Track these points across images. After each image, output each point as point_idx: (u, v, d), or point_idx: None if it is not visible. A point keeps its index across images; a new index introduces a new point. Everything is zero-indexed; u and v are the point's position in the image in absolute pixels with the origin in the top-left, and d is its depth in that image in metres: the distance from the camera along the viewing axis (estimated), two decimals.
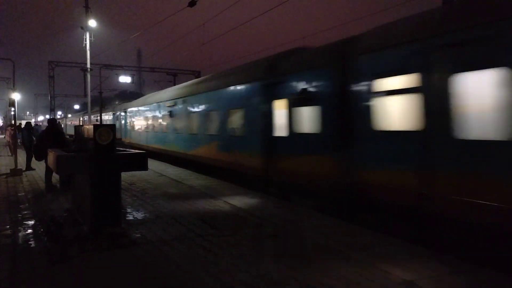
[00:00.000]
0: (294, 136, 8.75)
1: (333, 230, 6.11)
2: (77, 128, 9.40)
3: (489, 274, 4.32)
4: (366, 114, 6.79)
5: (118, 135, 14.24)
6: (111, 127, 6.54)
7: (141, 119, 22.67)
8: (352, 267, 4.57)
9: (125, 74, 38.40)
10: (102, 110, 36.45)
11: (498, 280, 4.20)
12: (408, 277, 4.24)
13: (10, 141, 24.20)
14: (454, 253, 5.00)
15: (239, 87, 11.15)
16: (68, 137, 15.96)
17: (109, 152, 6.37)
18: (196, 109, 14.29)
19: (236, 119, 11.28)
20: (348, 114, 7.22)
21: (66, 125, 56.24)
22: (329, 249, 5.24)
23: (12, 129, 25.55)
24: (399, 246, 5.33)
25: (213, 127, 12.78)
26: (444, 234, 5.54)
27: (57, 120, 12.53)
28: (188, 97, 15.36)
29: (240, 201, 8.46)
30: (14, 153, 14.92)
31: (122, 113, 27.09)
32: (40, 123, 56.14)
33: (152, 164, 14.66)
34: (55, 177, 10.62)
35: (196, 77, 40.43)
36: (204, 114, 13.53)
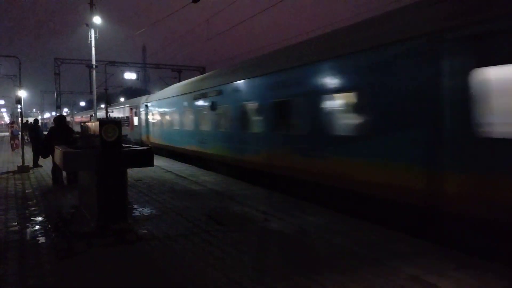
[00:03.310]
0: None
1: (338, 226, 6.12)
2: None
3: (496, 269, 4.30)
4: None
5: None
6: (117, 123, 6.57)
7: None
8: (358, 262, 4.58)
9: (130, 71, 38.52)
10: (107, 106, 36.72)
11: (505, 274, 4.18)
12: (414, 272, 4.24)
13: (11, 138, 24.57)
14: (461, 248, 4.98)
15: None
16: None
17: (115, 149, 6.40)
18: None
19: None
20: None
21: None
22: (334, 244, 5.25)
23: (12, 126, 25.85)
24: (405, 241, 5.32)
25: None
26: (451, 229, 5.53)
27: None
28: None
29: (246, 196, 8.48)
30: (21, 149, 15.03)
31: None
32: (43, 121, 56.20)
33: (158, 160, 14.74)
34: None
35: (201, 73, 40.44)
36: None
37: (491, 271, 4.26)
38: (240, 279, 4.21)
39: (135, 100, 27.88)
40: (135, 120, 25.86)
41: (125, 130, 27.33)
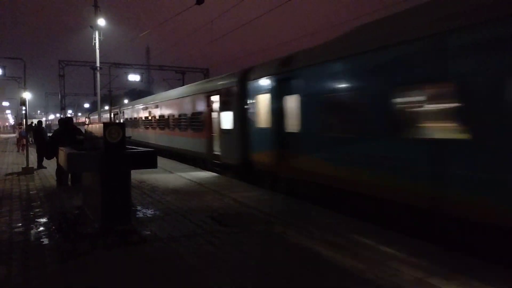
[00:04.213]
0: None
1: (340, 227, 6.10)
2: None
3: (500, 271, 4.28)
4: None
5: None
6: (121, 125, 6.61)
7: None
8: (362, 265, 4.56)
9: (134, 73, 38.55)
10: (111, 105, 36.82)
11: (508, 276, 4.16)
12: (419, 275, 4.22)
13: (19, 139, 24.86)
14: (464, 250, 4.96)
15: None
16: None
17: (119, 150, 6.42)
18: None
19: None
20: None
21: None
22: (337, 246, 5.23)
23: (19, 128, 26.11)
24: (408, 243, 5.30)
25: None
26: (454, 231, 5.50)
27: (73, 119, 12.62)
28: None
29: (249, 198, 8.47)
30: (26, 151, 15.11)
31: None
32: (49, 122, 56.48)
33: (161, 161, 14.77)
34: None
35: (205, 75, 40.51)
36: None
37: (495, 273, 4.24)
38: (243, 280, 4.21)
39: (223, 80, 13.29)
40: (225, 119, 12.64)
41: (189, 139, 15.75)
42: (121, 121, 30.50)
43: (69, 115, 69.44)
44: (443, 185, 5.51)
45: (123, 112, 31.23)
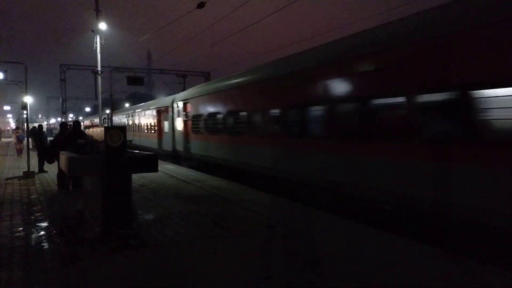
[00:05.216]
0: None
1: (342, 231, 6.08)
2: None
3: (502, 275, 4.25)
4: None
5: None
6: (122, 129, 6.60)
7: None
8: (362, 268, 4.54)
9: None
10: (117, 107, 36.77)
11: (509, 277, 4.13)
12: (419, 278, 4.20)
13: (16, 143, 25.17)
14: (466, 253, 4.93)
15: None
16: None
17: (120, 154, 6.41)
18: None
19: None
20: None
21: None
22: (338, 250, 5.21)
23: (17, 132, 26.35)
24: (410, 246, 5.28)
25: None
26: (457, 234, 5.48)
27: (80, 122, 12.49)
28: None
29: (250, 202, 8.45)
30: (27, 155, 15.12)
31: None
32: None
33: (162, 166, 14.77)
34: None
35: (206, 78, 40.60)
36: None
37: (496, 276, 4.22)
38: (243, 285, 4.19)
39: None
40: None
41: None
42: (183, 122, 17.34)
43: (70, 119, 69.46)
44: None
45: (183, 106, 17.39)
